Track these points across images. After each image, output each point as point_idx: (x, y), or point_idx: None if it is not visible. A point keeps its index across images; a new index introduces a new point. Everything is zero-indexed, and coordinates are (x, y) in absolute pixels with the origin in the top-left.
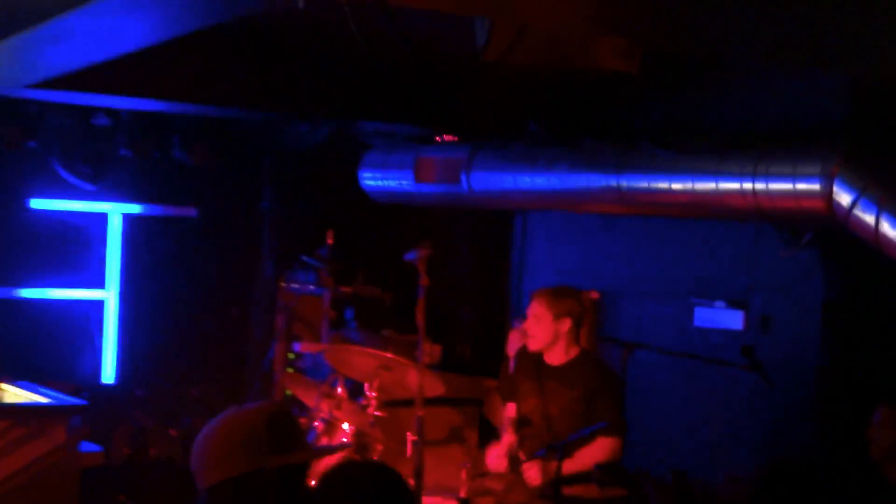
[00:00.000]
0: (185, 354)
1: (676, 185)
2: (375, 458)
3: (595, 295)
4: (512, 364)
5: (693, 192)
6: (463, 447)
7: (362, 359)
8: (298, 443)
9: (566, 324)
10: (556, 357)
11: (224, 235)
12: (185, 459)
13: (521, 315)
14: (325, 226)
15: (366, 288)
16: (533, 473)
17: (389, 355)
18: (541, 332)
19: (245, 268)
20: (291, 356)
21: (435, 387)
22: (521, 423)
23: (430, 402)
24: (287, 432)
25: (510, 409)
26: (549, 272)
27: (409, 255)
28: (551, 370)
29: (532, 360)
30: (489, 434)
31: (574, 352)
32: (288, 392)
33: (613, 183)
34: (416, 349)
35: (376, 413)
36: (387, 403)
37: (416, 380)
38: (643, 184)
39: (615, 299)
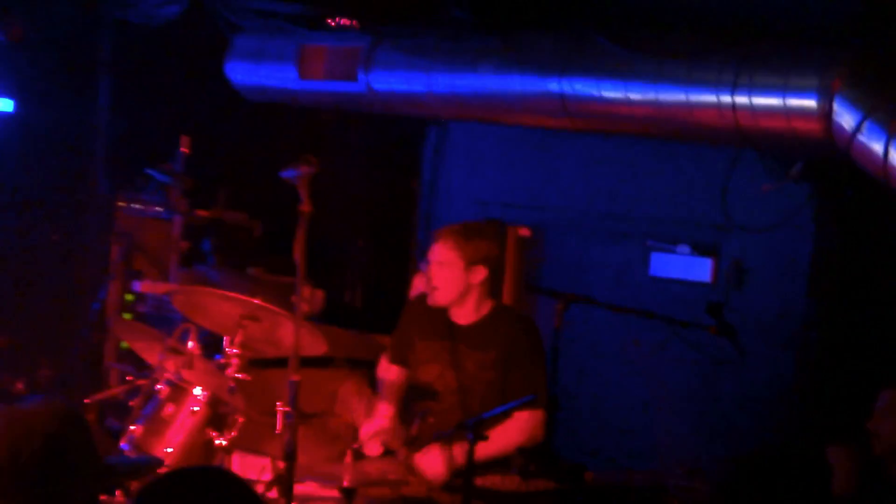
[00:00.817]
0: None
1: (634, 95)
2: (235, 432)
3: (525, 232)
4: (404, 316)
5: (656, 105)
6: (348, 422)
7: (222, 305)
8: (83, 470)
9: (480, 273)
10: (465, 314)
11: (45, 138)
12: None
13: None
14: (178, 130)
15: (229, 213)
16: (432, 462)
17: (257, 301)
18: (447, 283)
19: (72, 181)
20: (129, 298)
21: (315, 344)
22: (419, 395)
23: (309, 362)
24: (66, 464)
25: (392, 372)
26: (468, 201)
27: (287, 173)
28: (459, 330)
29: (436, 315)
30: None
31: (487, 307)
32: (123, 345)
33: (555, 88)
34: (292, 294)
35: (238, 376)
36: (252, 363)
37: (290, 334)
38: (592, 91)
39: (551, 238)
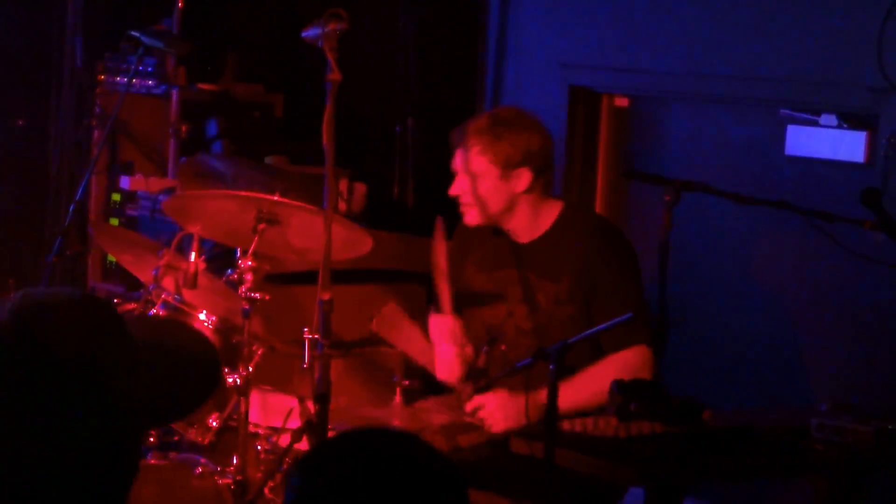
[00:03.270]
0: None
1: None
2: (252, 367)
3: (622, 102)
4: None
5: None
6: (396, 350)
7: (231, 205)
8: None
9: (524, 178)
10: (525, 228)
11: None
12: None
13: None
14: None
15: (240, 86)
16: (502, 407)
17: (277, 198)
18: (481, 198)
19: (37, 49)
20: (116, 198)
21: (354, 248)
22: (481, 343)
23: (346, 276)
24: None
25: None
26: (547, 64)
27: (310, 32)
28: (524, 251)
29: (494, 235)
30: None
31: (551, 213)
32: (110, 258)
33: None
34: (321, 188)
35: (254, 295)
36: (272, 279)
37: (321, 239)
38: None
39: (655, 110)
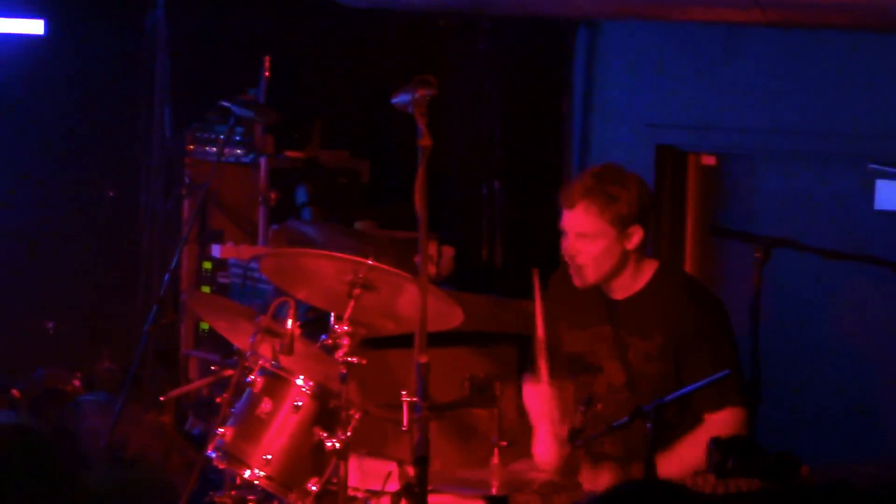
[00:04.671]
0: (33, 267)
1: None
2: (349, 432)
3: (709, 160)
4: (539, 303)
5: None
6: (492, 414)
7: (327, 270)
8: None
9: (637, 234)
10: (622, 285)
11: (91, 66)
12: (41, 433)
13: None
14: (258, 49)
15: (327, 153)
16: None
17: (373, 263)
18: (597, 258)
19: (126, 121)
20: (207, 266)
21: (449, 315)
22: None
23: (437, 339)
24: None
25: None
26: (633, 123)
27: (400, 99)
28: (618, 308)
29: (587, 291)
30: None
31: (647, 271)
32: (203, 326)
33: None
34: (413, 253)
35: (350, 359)
36: (367, 344)
37: (416, 303)
38: None
39: (742, 167)
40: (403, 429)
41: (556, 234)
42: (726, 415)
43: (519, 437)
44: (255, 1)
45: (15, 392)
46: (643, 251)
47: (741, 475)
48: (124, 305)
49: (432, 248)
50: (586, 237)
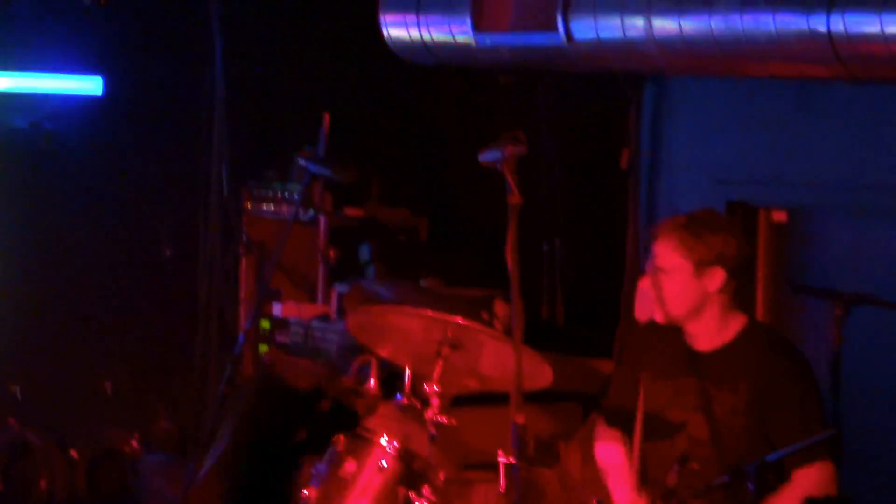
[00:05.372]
0: (91, 326)
1: None
2: (435, 497)
3: (780, 216)
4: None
5: None
6: (552, 471)
7: (414, 328)
8: None
9: (716, 277)
10: (707, 335)
11: (149, 124)
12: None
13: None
14: (317, 106)
15: (386, 210)
16: None
17: (461, 321)
18: (674, 294)
19: (183, 180)
20: (265, 325)
21: (539, 374)
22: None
23: (505, 398)
24: None
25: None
26: (702, 179)
27: (488, 155)
28: (703, 360)
29: (671, 342)
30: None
31: (736, 325)
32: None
33: (820, 27)
34: (481, 310)
35: (440, 419)
36: (458, 402)
37: (495, 363)
38: (870, 26)
39: (816, 221)
40: (501, 490)
41: (617, 293)
42: (816, 471)
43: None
44: (315, 56)
45: (73, 452)
46: (731, 301)
47: None
48: (182, 364)
49: (499, 307)
50: (664, 272)
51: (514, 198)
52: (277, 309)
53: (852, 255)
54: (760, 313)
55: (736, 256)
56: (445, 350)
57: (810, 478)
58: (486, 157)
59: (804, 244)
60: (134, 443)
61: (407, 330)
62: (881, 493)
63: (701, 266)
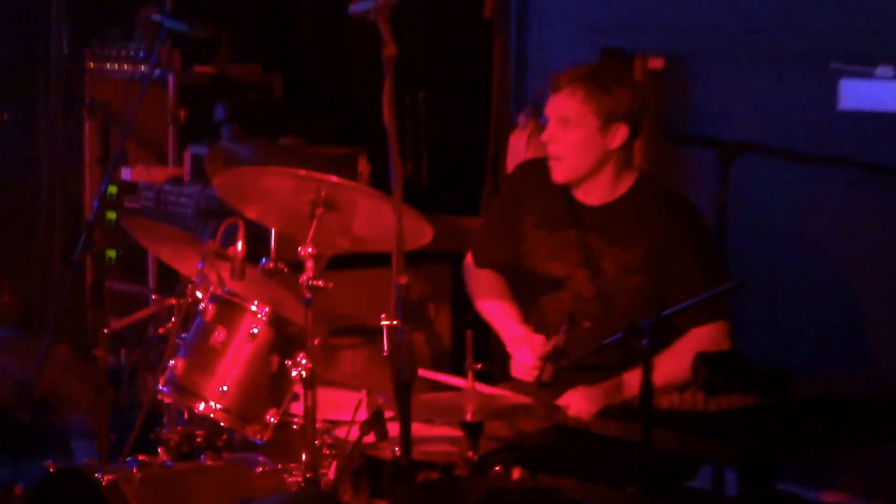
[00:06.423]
0: None
1: None
2: (311, 363)
3: (657, 63)
4: (504, 194)
5: None
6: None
7: (284, 188)
8: None
9: (621, 133)
10: (597, 191)
11: None
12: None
13: (533, 105)
14: None
15: (238, 67)
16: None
17: (336, 179)
18: (576, 149)
19: (20, 39)
20: (113, 191)
21: (419, 233)
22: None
23: (365, 260)
24: None
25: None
26: (573, 27)
27: (360, 6)
28: (589, 214)
29: (554, 193)
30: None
31: (628, 180)
32: (110, 254)
33: None
34: (345, 170)
35: (316, 283)
36: (333, 265)
37: (375, 221)
38: None
39: (694, 70)
40: (384, 354)
41: (484, 151)
42: (713, 329)
43: None
44: None
45: None
46: (627, 158)
47: (731, 391)
48: (25, 236)
49: (363, 165)
50: (567, 124)
51: (390, 48)
52: (126, 173)
53: (733, 102)
54: (637, 165)
55: (640, 113)
56: (319, 210)
57: (706, 336)
58: (357, 7)
59: (683, 93)
60: None
61: (277, 191)
62: (769, 349)
63: (608, 121)
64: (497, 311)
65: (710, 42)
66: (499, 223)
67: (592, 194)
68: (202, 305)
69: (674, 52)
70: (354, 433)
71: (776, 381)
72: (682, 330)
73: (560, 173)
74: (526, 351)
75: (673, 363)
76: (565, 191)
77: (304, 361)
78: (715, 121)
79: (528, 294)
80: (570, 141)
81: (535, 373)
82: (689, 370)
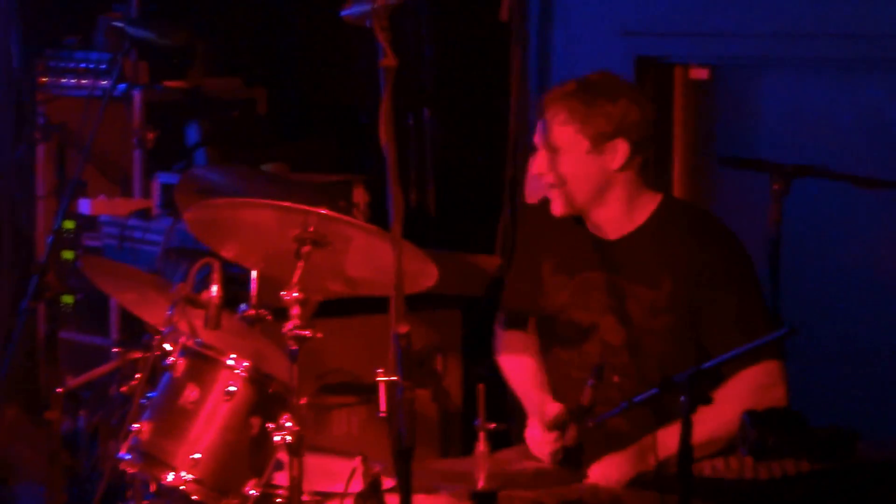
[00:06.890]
0: None
1: None
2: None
3: (700, 73)
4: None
5: None
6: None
7: (267, 223)
8: None
9: (619, 151)
10: (614, 221)
11: None
12: None
13: None
14: None
15: (216, 80)
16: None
17: (326, 212)
18: (569, 178)
19: None
20: (69, 226)
21: (423, 275)
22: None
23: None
24: None
25: (518, 346)
26: (604, 32)
27: (354, 9)
28: (611, 250)
29: (572, 229)
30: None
31: (648, 205)
32: (66, 300)
33: None
34: (339, 199)
35: (303, 333)
36: (323, 312)
37: (371, 261)
38: None
39: (745, 79)
40: (381, 415)
41: (500, 177)
42: (762, 370)
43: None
44: None
45: None
46: (639, 178)
47: (784, 455)
48: None
49: (360, 195)
50: (555, 151)
51: (388, 59)
52: (85, 205)
53: (789, 117)
54: (677, 189)
55: (640, 125)
56: (306, 248)
57: (753, 379)
58: (352, 11)
59: (730, 107)
60: None
61: (259, 226)
62: (828, 405)
63: (599, 140)
64: (516, 369)
65: (758, 50)
66: (520, 276)
67: (608, 226)
68: (171, 359)
69: (720, 60)
70: None
71: (837, 444)
72: (724, 374)
73: (558, 205)
74: (535, 423)
75: (716, 414)
76: (582, 226)
77: (288, 424)
78: (769, 139)
79: (551, 349)
80: (562, 169)
81: (549, 448)
82: (736, 421)
